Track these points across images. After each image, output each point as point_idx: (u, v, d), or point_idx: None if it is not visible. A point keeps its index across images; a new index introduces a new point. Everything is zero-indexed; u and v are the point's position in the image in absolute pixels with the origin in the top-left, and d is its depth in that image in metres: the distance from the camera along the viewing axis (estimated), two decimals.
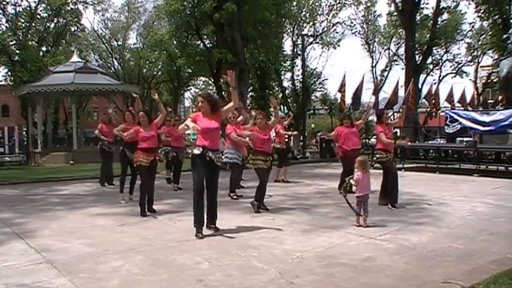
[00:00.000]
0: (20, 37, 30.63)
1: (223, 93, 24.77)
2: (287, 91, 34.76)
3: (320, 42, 35.76)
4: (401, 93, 21.79)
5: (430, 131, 20.44)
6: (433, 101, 18.89)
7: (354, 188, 6.34)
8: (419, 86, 27.99)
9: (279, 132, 11.18)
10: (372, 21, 38.48)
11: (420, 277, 4.10)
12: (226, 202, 8.50)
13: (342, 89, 18.71)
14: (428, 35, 28.10)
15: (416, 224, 6.32)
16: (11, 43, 30.43)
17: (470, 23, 34.06)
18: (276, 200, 8.60)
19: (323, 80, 37.48)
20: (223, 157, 5.89)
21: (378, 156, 7.90)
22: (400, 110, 19.31)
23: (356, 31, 38.12)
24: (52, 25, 33.50)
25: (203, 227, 5.92)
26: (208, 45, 23.44)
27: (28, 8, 31.80)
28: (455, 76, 37.82)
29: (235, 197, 8.95)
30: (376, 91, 19.06)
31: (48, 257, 4.89)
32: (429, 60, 31.35)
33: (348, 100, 19.32)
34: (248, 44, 21.94)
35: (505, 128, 13.34)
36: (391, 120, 18.48)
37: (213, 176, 5.94)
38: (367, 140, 23.01)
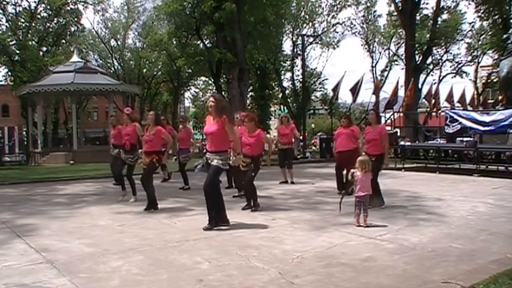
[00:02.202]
0: (20, 37, 30.67)
1: (223, 93, 24.79)
2: (287, 91, 34.77)
3: (320, 42, 35.80)
4: (401, 93, 21.83)
5: (430, 131, 20.44)
6: (433, 101, 18.92)
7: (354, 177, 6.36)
8: (419, 86, 28.00)
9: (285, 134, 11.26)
10: (372, 21, 38.52)
11: (420, 277, 4.10)
12: (226, 202, 8.50)
13: (336, 87, 19.21)
14: (428, 35, 28.11)
15: (416, 224, 6.32)
16: (11, 43, 30.47)
17: (470, 23, 34.16)
18: (276, 200, 8.60)
19: (323, 80, 37.55)
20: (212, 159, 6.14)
21: None
22: (400, 110, 19.38)
23: (356, 31, 38.21)
24: (52, 25, 33.51)
25: (210, 222, 6.16)
26: (208, 45, 23.45)
27: (28, 8, 31.84)
28: (455, 76, 37.89)
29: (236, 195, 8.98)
30: (377, 91, 19.10)
31: (48, 257, 4.88)
32: (429, 60, 31.36)
33: (346, 97, 19.64)
34: (248, 44, 21.95)
35: (505, 128, 13.32)
36: (391, 120, 18.54)
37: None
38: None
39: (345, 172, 8.59)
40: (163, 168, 11.73)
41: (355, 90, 19.02)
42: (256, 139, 7.73)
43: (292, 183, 11.23)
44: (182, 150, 10.75)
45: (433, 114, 19.56)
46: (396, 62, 38.18)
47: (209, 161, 6.16)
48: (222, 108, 6.16)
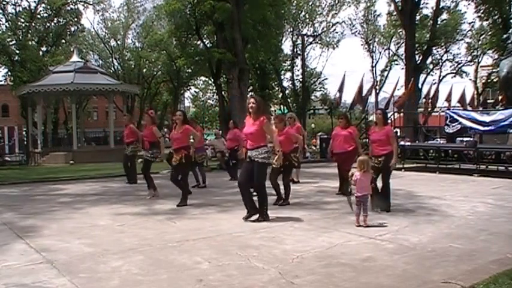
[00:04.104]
0: (20, 37, 30.66)
1: (223, 93, 24.78)
2: (287, 91, 34.74)
3: (319, 42, 35.80)
4: (401, 93, 21.86)
5: (430, 131, 20.43)
6: (430, 101, 19.05)
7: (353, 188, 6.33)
8: (419, 86, 28.01)
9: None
10: (371, 21, 38.54)
11: (420, 277, 4.10)
12: (226, 202, 8.51)
13: (340, 88, 19.18)
14: (428, 35, 28.12)
15: (416, 224, 6.32)
16: (11, 43, 30.47)
17: (470, 23, 34.18)
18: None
19: (323, 80, 37.53)
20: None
21: None
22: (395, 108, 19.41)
23: (356, 31, 38.25)
24: (52, 25, 33.50)
25: (249, 213, 6.60)
26: (208, 45, 23.45)
27: (28, 8, 31.83)
28: (455, 76, 37.93)
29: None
30: (375, 90, 19.21)
31: (48, 257, 4.88)
32: (429, 60, 31.36)
33: (346, 97, 19.67)
34: (248, 44, 21.94)
35: (505, 128, 13.31)
36: (391, 120, 18.53)
37: (252, 171, 6.57)
38: (367, 140, 23.00)
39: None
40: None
41: (360, 97, 19.09)
42: (285, 136, 8.16)
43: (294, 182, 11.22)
44: (197, 150, 10.82)
45: (430, 113, 19.62)
46: (396, 62, 38.24)
47: (252, 158, 6.55)
48: (261, 110, 6.66)
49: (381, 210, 7.13)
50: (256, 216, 6.58)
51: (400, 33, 31.95)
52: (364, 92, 19.89)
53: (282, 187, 8.20)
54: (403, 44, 27.94)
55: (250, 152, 6.64)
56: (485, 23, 29.47)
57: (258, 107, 6.62)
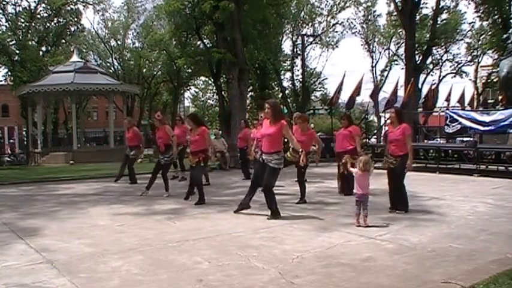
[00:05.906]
0: (20, 37, 30.67)
1: (223, 93, 24.75)
2: (287, 91, 34.73)
3: (319, 42, 35.79)
4: (401, 93, 21.86)
5: (430, 131, 20.43)
6: (429, 101, 19.11)
7: (349, 166, 6.80)
8: (419, 86, 27.99)
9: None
10: (372, 21, 38.55)
11: (420, 277, 4.10)
12: (226, 202, 8.50)
13: (338, 89, 19.27)
14: (428, 35, 28.13)
15: (416, 224, 6.32)
16: (11, 43, 30.46)
17: (470, 23, 34.20)
18: (276, 200, 8.57)
19: (323, 80, 37.52)
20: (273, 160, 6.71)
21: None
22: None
23: (356, 31, 38.25)
24: (52, 25, 33.50)
25: (243, 208, 7.03)
26: (208, 45, 23.43)
27: (28, 8, 31.82)
28: (455, 76, 37.99)
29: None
30: (376, 92, 19.22)
31: (48, 257, 4.88)
32: (429, 60, 31.35)
33: (345, 97, 19.73)
34: (248, 44, 21.91)
35: (505, 128, 13.32)
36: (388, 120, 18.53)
37: (262, 173, 6.75)
38: (366, 140, 22.99)
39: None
40: (176, 166, 11.90)
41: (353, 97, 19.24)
42: (308, 137, 8.53)
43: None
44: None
45: (429, 114, 19.62)
46: (396, 62, 38.27)
47: (266, 162, 6.67)
48: (279, 114, 6.86)
49: (398, 211, 7.13)
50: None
51: (400, 33, 31.95)
52: (363, 92, 20.03)
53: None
54: (403, 44, 27.90)
55: (265, 156, 6.72)
56: (485, 23, 29.48)
57: (273, 111, 6.75)
